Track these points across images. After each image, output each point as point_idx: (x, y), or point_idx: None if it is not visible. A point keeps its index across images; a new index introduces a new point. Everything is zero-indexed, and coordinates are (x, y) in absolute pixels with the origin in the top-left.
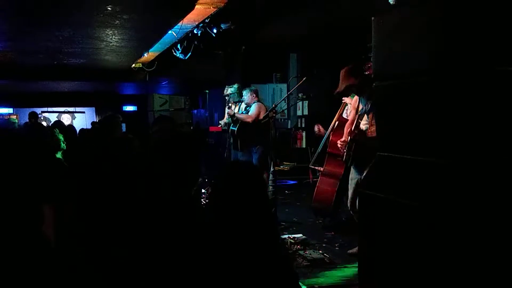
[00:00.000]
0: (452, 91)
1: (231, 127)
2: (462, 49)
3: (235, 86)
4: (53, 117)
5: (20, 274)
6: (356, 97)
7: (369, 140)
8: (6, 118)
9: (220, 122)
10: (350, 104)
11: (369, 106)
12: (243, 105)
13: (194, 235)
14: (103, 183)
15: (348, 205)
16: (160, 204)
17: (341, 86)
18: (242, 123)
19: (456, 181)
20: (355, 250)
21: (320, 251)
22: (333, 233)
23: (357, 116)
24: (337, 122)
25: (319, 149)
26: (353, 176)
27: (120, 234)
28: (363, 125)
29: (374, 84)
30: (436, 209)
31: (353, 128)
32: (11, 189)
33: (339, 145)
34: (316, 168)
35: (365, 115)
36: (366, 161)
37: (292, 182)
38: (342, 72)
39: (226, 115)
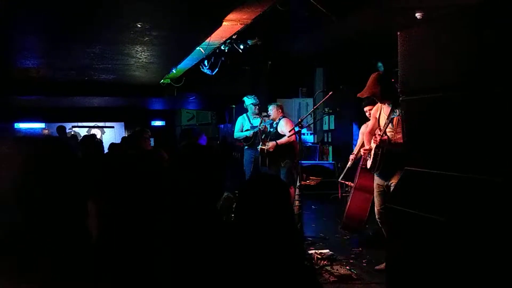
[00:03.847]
0: (478, 106)
1: (260, 145)
2: (487, 64)
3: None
4: (83, 132)
5: (64, 263)
6: (377, 106)
7: (394, 147)
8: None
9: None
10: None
11: (393, 113)
12: (268, 120)
13: (218, 246)
14: (130, 194)
15: (376, 214)
16: (184, 215)
17: (364, 93)
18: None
19: (490, 197)
20: (382, 266)
21: (347, 267)
22: (360, 249)
23: (384, 123)
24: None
25: (349, 164)
26: (379, 183)
27: (144, 242)
28: (388, 132)
29: (400, 99)
30: (464, 224)
31: (381, 134)
32: (63, 186)
33: (362, 153)
34: (346, 182)
35: (390, 123)
36: (392, 167)
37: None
38: (370, 78)
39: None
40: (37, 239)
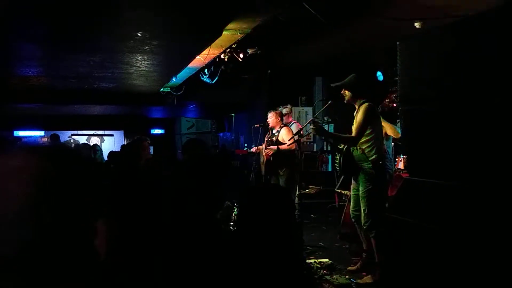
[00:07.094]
0: (477, 117)
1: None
2: (488, 75)
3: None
4: (82, 140)
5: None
6: None
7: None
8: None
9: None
10: None
11: None
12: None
13: (218, 255)
14: (131, 201)
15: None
16: (185, 224)
17: None
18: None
19: (487, 206)
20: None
21: (346, 276)
22: (359, 258)
23: None
24: None
25: None
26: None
27: (145, 251)
28: None
29: (400, 108)
30: (462, 233)
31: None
32: (73, 206)
33: None
34: (342, 192)
35: None
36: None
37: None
38: None
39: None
40: (47, 255)
